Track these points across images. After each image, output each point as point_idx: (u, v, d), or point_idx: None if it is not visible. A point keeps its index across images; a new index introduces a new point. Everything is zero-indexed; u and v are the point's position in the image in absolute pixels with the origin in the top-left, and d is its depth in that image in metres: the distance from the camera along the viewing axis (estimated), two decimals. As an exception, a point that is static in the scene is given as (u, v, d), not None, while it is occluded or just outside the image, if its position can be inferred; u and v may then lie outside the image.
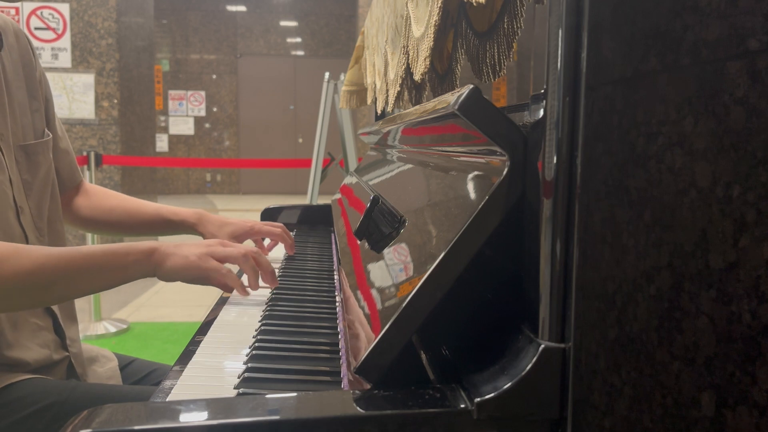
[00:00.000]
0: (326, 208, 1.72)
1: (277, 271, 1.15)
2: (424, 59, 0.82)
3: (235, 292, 0.96)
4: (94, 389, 0.97)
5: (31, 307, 0.97)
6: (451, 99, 0.55)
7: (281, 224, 1.29)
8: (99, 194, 1.25)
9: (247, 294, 0.96)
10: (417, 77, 0.87)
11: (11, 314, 0.95)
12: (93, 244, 0.88)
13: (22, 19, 4.56)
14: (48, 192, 1.07)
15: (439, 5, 0.75)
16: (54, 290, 0.87)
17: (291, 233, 1.36)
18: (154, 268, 0.89)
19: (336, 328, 0.84)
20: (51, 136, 1.09)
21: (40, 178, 1.05)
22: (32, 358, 0.97)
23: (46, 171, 1.06)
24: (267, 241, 1.36)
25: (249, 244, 1.12)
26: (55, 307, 1.04)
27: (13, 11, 4.50)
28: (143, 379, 1.15)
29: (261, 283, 0.98)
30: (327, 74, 4.02)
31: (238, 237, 1.22)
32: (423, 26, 0.83)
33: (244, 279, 0.98)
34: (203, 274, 0.90)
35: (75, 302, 1.10)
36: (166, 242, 0.91)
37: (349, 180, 1.65)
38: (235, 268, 0.99)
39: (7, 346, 0.94)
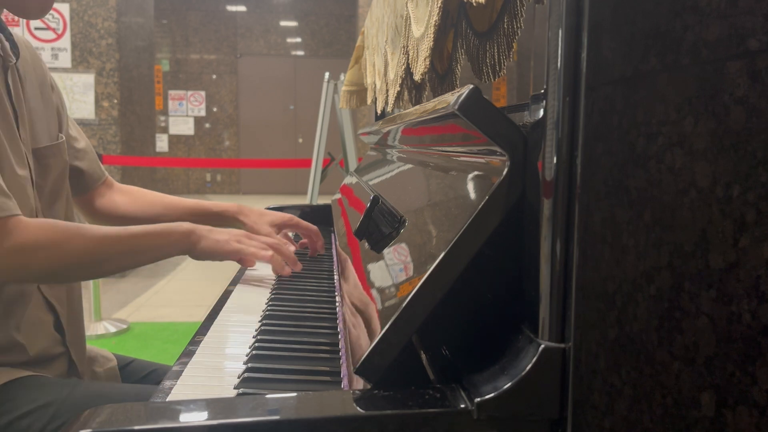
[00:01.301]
0: (326, 208, 1.72)
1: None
2: (424, 59, 0.82)
3: (233, 294, 1.01)
4: (94, 387, 0.98)
5: (83, 279, 1.08)
6: (451, 99, 0.55)
7: (315, 226, 1.34)
8: (136, 192, 1.31)
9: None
10: (417, 77, 0.87)
11: (18, 302, 0.98)
12: (132, 226, 1.01)
13: (21, 20, 4.56)
14: (61, 195, 1.11)
15: (439, 5, 0.75)
16: (105, 266, 0.97)
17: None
18: (190, 247, 1.01)
19: (336, 328, 0.84)
20: (63, 139, 1.12)
21: (52, 181, 1.08)
22: (31, 345, 0.99)
23: (59, 174, 1.10)
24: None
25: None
26: (57, 305, 1.05)
27: (13, 11, 4.49)
28: (142, 380, 1.15)
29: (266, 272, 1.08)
30: (327, 74, 4.02)
31: (278, 226, 1.28)
32: (423, 26, 0.83)
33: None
34: (232, 257, 1.03)
35: (82, 303, 1.14)
36: (201, 226, 1.03)
37: (349, 180, 1.65)
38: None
39: (14, 329, 0.97)
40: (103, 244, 0.94)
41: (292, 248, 1.10)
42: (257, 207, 1.33)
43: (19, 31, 4.54)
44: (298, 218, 1.30)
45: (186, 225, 1.02)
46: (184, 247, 1.01)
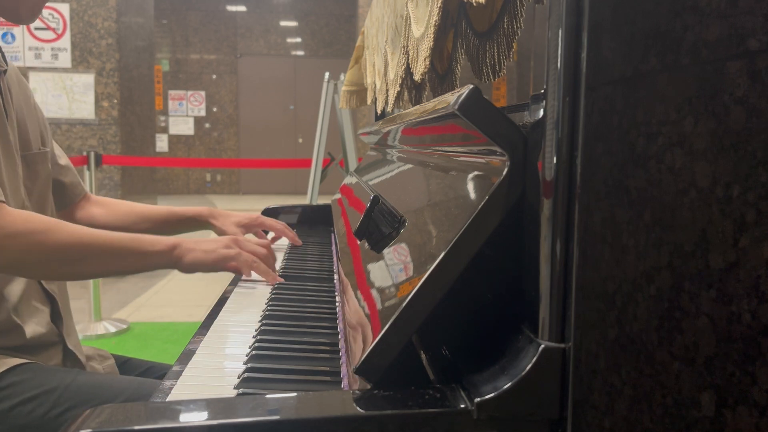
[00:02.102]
0: (326, 208, 1.72)
1: (278, 269, 1.16)
2: (424, 59, 0.82)
3: (233, 294, 1.02)
4: (96, 378, 1.01)
5: (61, 277, 1.09)
6: (451, 99, 0.55)
7: (282, 222, 1.40)
8: (111, 203, 1.36)
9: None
10: (417, 77, 0.86)
11: (11, 285, 1.01)
12: (117, 232, 1.03)
13: (22, 19, 4.55)
14: (47, 202, 1.15)
15: (439, 5, 0.75)
16: (85, 265, 0.96)
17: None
18: (175, 261, 1.00)
19: (336, 328, 0.84)
20: (49, 149, 1.17)
21: (40, 186, 1.12)
22: (28, 329, 1.02)
23: (45, 180, 1.14)
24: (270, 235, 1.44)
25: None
26: (55, 295, 1.08)
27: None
28: (140, 376, 1.16)
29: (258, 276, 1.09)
30: (327, 74, 4.02)
31: (245, 226, 1.33)
32: (423, 26, 0.83)
33: None
34: (221, 264, 1.03)
35: (69, 300, 1.17)
36: (188, 239, 1.03)
37: (349, 180, 1.65)
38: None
39: (12, 311, 1.00)
40: (82, 242, 0.93)
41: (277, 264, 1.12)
42: (245, 208, 1.38)
43: (19, 31, 4.54)
44: (264, 217, 1.36)
45: (172, 238, 1.02)
46: (170, 260, 1.00)
